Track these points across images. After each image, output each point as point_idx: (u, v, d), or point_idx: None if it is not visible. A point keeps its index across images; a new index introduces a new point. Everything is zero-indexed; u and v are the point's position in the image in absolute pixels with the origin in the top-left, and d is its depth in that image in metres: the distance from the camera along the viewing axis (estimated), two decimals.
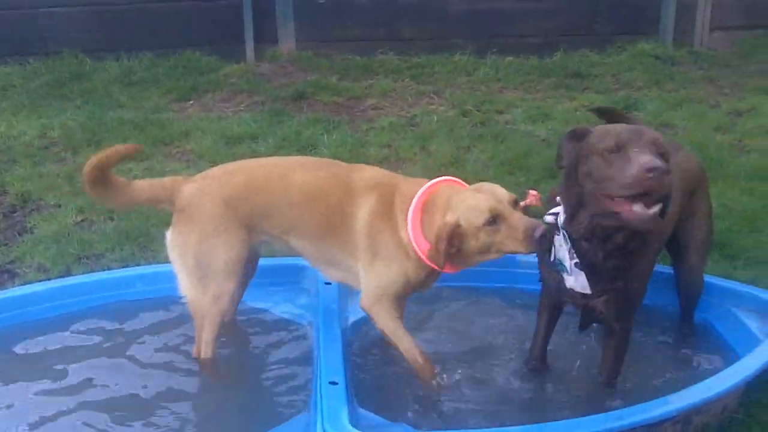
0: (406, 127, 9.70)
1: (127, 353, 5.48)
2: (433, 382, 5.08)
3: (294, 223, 5.15)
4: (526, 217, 4.69)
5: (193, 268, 5.16)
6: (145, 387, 5.17)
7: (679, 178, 5.21)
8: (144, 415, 4.91)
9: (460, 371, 5.25)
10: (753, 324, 5.50)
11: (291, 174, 5.15)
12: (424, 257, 4.87)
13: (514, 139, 9.16)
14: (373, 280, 5.09)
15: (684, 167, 5.39)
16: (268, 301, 6.00)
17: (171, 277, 5.44)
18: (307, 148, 8.85)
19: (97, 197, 5.17)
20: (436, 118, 9.92)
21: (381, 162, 8.58)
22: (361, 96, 10.70)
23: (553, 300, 5.14)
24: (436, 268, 4.87)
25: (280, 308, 5.95)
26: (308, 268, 5.95)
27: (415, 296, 5.44)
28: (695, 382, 4.88)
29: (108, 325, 5.74)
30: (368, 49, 12.09)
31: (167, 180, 5.31)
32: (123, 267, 6.45)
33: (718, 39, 12.76)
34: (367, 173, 5.19)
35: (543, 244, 4.65)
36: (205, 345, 5.24)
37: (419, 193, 4.94)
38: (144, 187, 5.25)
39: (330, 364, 4.89)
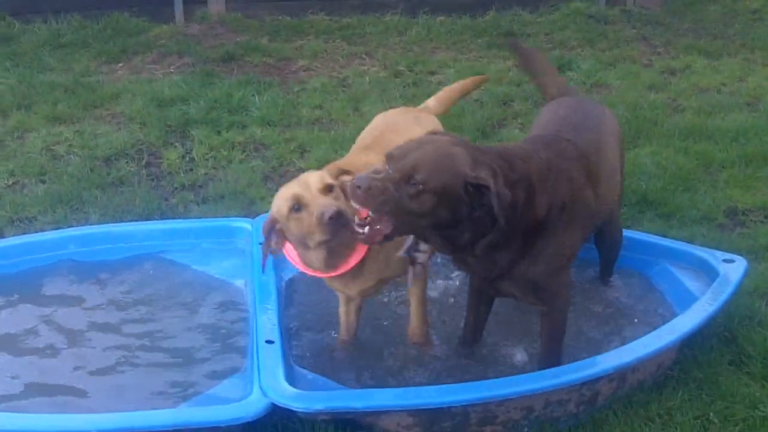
0: (338, 88, 9.61)
1: (60, 314, 5.45)
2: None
3: None
4: (326, 200, 4.45)
5: None
6: (78, 349, 5.16)
7: (615, 142, 5.25)
8: (75, 379, 4.90)
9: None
10: (689, 281, 5.51)
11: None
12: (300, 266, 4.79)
13: None
14: None
15: (614, 130, 5.34)
16: (203, 262, 5.97)
17: (103, 238, 5.85)
18: (238, 110, 8.74)
19: None
20: (368, 79, 9.84)
21: (313, 123, 8.55)
22: (291, 57, 10.56)
23: (479, 284, 5.03)
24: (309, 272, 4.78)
25: (216, 268, 5.91)
26: (242, 229, 5.99)
27: None
28: (631, 340, 4.89)
29: (41, 286, 5.71)
30: (298, 10, 11.95)
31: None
32: (56, 229, 6.40)
33: None
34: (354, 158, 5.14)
35: (334, 226, 4.38)
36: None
37: None
38: None
39: (266, 323, 4.91)
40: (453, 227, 4.32)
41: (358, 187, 4.13)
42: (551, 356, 4.88)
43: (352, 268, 4.69)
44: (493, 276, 4.66)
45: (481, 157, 4.33)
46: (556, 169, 4.58)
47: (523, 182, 4.43)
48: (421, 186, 4.15)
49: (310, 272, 4.75)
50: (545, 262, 4.64)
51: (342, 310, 5.14)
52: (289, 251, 4.73)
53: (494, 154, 4.45)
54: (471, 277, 5.05)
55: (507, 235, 4.40)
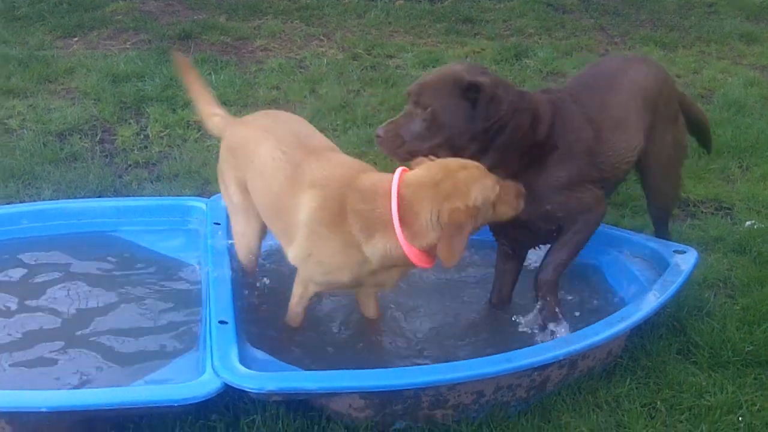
0: (295, 70, 9.57)
1: (10, 291, 5.39)
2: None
3: (255, 191, 5.09)
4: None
5: None
6: (27, 326, 5.11)
7: (640, 98, 5.36)
8: (22, 357, 4.87)
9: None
10: (639, 271, 5.54)
11: (262, 143, 5.01)
12: (418, 259, 4.54)
13: (404, 83, 9.07)
14: (303, 272, 4.93)
15: (642, 85, 5.44)
16: (156, 240, 5.94)
17: (56, 214, 5.82)
18: None
19: None
20: (325, 61, 9.81)
21: (269, 104, 8.49)
22: (249, 37, 10.51)
23: (505, 246, 5.23)
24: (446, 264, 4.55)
25: (169, 247, 5.88)
26: (196, 208, 5.97)
27: None
28: (581, 327, 4.92)
29: None
30: None
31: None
32: (8, 204, 6.36)
33: None
34: (318, 167, 4.76)
35: None
36: None
37: (393, 192, 4.47)
38: None
39: (219, 303, 4.88)
40: (463, 146, 4.64)
41: (378, 136, 4.61)
42: (558, 265, 5.09)
43: None
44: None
45: (488, 73, 4.73)
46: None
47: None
48: (429, 108, 4.54)
49: (422, 263, 4.58)
50: (552, 184, 4.93)
51: (304, 305, 5.04)
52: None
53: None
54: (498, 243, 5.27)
55: (506, 157, 4.74)
